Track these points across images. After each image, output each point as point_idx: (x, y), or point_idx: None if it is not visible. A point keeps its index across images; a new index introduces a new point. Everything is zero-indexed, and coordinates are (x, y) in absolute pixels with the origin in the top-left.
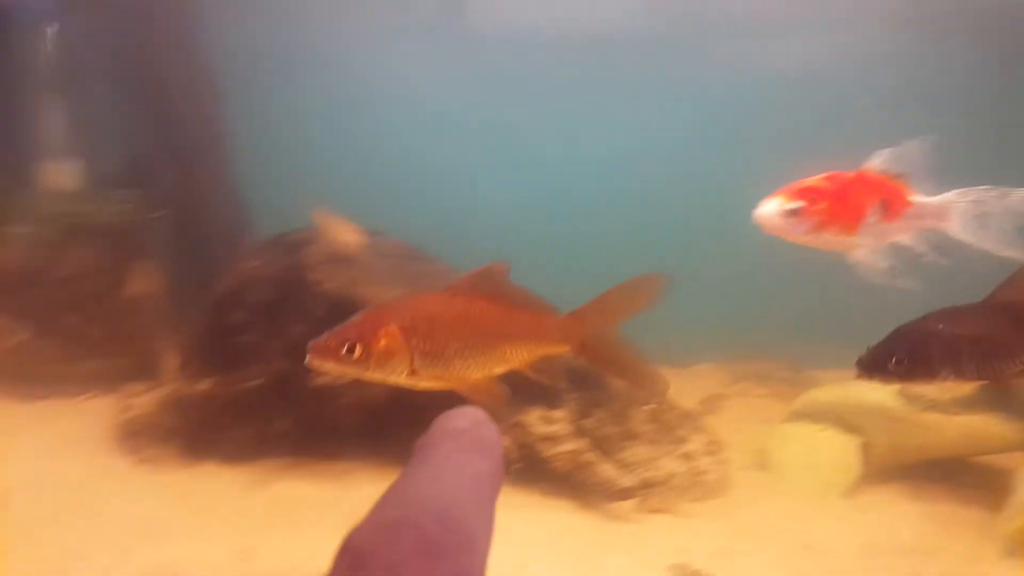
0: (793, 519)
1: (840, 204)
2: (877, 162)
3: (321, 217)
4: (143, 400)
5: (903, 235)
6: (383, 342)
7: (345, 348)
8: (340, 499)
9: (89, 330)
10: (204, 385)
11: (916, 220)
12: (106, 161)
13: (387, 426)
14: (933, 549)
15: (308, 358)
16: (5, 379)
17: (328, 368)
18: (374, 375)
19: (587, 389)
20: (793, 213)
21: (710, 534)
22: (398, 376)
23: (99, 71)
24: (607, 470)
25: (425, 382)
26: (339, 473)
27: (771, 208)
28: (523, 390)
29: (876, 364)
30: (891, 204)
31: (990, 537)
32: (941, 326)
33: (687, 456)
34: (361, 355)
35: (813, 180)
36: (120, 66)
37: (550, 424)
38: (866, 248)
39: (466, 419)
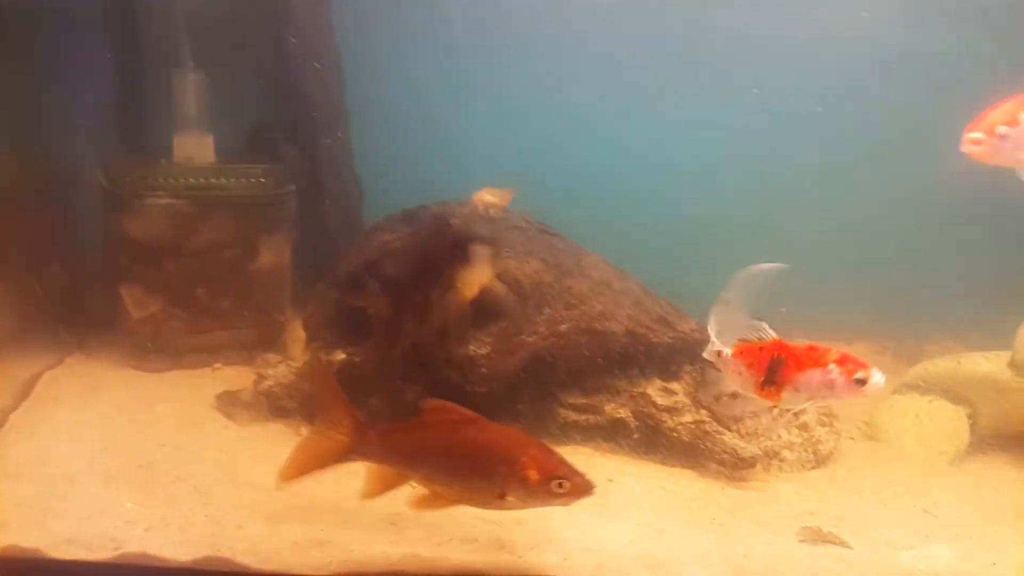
0: (908, 485)
1: None
2: None
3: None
4: (279, 370)
5: None
6: None
7: None
8: None
9: (218, 302)
10: (339, 355)
11: None
12: (233, 134)
13: (519, 396)
14: None
15: None
16: (137, 350)
17: None
18: None
19: (703, 361)
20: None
21: (832, 499)
22: None
23: (232, 43)
24: (731, 439)
25: None
26: None
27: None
28: (642, 361)
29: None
30: None
31: None
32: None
33: (803, 427)
34: None
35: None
36: (251, 39)
37: (671, 396)
38: None
39: None
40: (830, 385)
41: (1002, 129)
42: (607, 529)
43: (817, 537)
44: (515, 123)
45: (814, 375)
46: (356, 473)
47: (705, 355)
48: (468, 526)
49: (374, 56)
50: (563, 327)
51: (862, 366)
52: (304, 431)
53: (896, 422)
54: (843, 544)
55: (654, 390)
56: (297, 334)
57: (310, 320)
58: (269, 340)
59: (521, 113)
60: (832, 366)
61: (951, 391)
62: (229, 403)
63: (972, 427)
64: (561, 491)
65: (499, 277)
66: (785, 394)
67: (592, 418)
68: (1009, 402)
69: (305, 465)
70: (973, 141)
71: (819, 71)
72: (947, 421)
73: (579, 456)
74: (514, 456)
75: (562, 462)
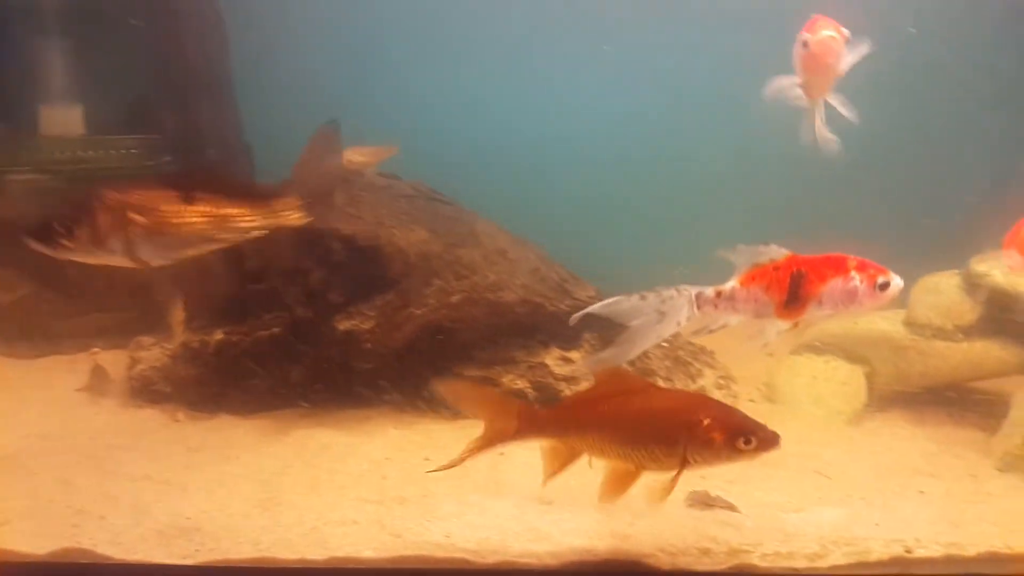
0: (803, 446)
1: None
2: None
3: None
4: (153, 353)
5: None
6: None
7: None
8: (361, 445)
9: (92, 283)
10: (217, 335)
11: None
12: (107, 105)
13: (406, 371)
14: (937, 470)
15: None
16: (6, 336)
17: None
18: None
19: (603, 329)
20: None
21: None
22: None
23: (104, 8)
24: None
25: None
26: (359, 419)
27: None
28: (540, 330)
29: (43, 233)
30: None
31: (989, 456)
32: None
33: (701, 390)
34: None
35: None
36: (126, 2)
37: (569, 364)
38: None
39: None
40: (852, 293)
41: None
42: (493, 503)
43: (705, 501)
44: (418, 85)
45: (836, 284)
46: (233, 459)
47: (694, 310)
48: (347, 508)
49: (265, 17)
50: (454, 298)
51: (882, 271)
52: (181, 416)
53: (793, 383)
54: (731, 508)
55: (552, 359)
56: (180, 314)
57: (190, 298)
58: (151, 321)
59: (424, 75)
60: (853, 273)
61: (848, 350)
62: (101, 389)
63: (870, 386)
64: (748, 447)
65: (382, 247)
66: (809, 310)
67: None
68: (905, 360)
69: (482, 446)
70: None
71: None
72: (844, 381)
73: (474, 430)
74: (695, 419)
75: (744, 418)
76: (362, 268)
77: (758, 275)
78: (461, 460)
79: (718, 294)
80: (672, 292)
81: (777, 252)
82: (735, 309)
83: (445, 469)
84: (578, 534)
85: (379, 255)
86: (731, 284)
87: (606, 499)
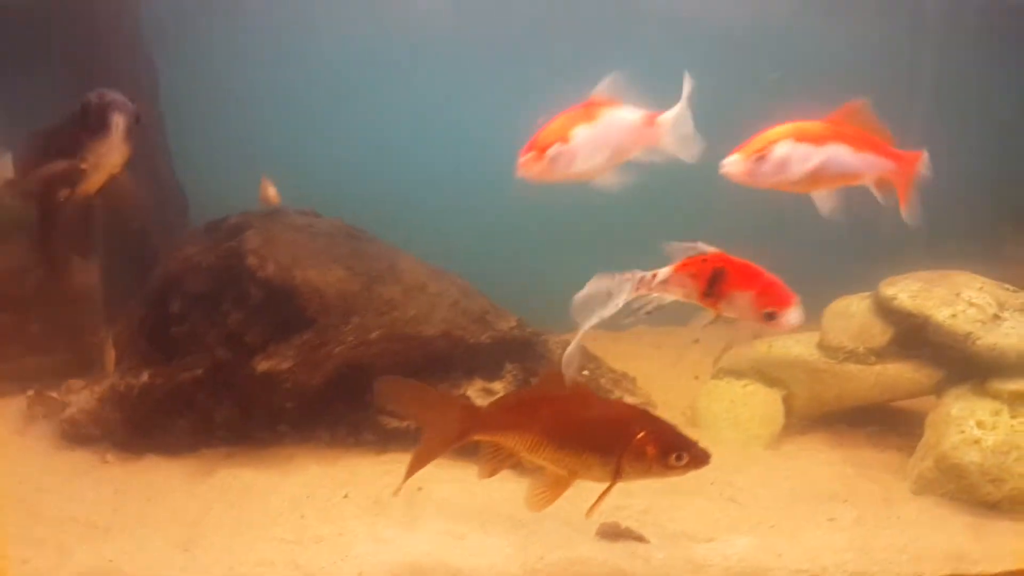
0: (719, 472)
1: None
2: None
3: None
4: (82, 396)
5: None
6: None
7: None
8: (284, 483)
9: (26, 326)
10: (143, 377)
11: None
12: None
13: (328, 409)
14: (851, 494)
15: None
16: None
17: None
18: None
19: (525, 360)
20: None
21: (640, 492)
22: None
23: (30, 54)
24: None
25: None
26: (283, 458)
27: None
28: (462, 363)
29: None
30: None
31: (905, 478)
32: None
33: None
34: None
35: None
36: (52, 47)
37: (491, 396)
38: None
39: None
40: (745, 307)
41: (553, 150)
42: (406, 539)
43: (616, 533)
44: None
45: (738, 293)
46: (157, 500)
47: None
48: (265, 549)
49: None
50: (374, 335)
51: (778, 303)
52: (110, 457)
53: (713, 408)
54: (640, 539)
55: (474, 391)
56: (112, 353)
57: (119, 339)
58: (85, 363)
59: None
60: (751, 292)
61: (765, 374)
62: (31, 432)
63: (788, 409)
64: (679, 464)
65: (298, 287)
66: (722, 306)
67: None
68: (820, 383)
69: (426, 456)
70: (523, 164)
71: None
72: (761, 405)
73: (399, 464)
74: (630, 432)
75: (678, 434)
76: (279, 309)
77: (689, 263)
78: (410, 474)
79: (653, 276)
80: (627, 275)
81: (704, 248)
82: (667, 291)
83: (399, 487)
84: (489, 569)
85: (296, 295)
86: (665, 270)
87: (535, 506)
